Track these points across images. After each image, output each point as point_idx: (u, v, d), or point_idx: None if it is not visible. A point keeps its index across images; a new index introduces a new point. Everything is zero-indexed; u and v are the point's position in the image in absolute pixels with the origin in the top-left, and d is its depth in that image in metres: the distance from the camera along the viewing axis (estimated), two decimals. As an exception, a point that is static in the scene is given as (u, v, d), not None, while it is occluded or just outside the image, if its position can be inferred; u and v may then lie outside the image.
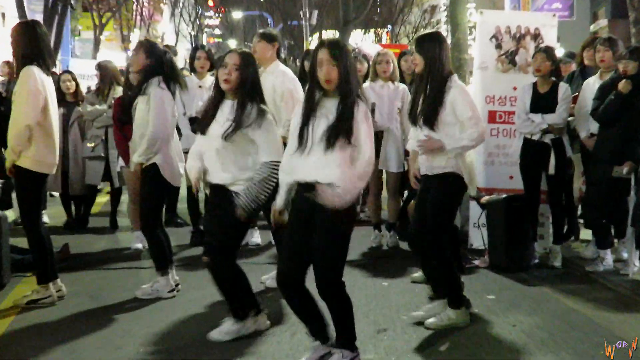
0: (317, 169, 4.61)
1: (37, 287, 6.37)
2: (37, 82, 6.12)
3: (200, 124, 5.46)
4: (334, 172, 4.55)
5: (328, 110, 4.63)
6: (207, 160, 5.40)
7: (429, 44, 5.79)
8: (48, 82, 6.28)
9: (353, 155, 4.60)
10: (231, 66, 5.27)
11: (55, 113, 6.41)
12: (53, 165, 6.40)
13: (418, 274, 7.11)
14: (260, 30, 7.43)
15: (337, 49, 4.64)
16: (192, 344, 5.42)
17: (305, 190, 4.67)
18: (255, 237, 8.74)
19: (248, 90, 5.29)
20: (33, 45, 6.22)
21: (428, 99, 5.75)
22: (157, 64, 6.48)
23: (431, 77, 5.75)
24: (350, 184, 4.54)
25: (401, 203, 8.76)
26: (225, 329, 5.47)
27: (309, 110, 4.68)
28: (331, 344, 4.86)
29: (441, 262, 5.86)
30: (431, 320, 5.82)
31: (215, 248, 5.37)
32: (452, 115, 5.69)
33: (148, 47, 6.60)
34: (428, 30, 6.32)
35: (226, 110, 5.30)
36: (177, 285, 6.66)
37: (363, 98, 4.67)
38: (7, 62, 12.31)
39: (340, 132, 4.55)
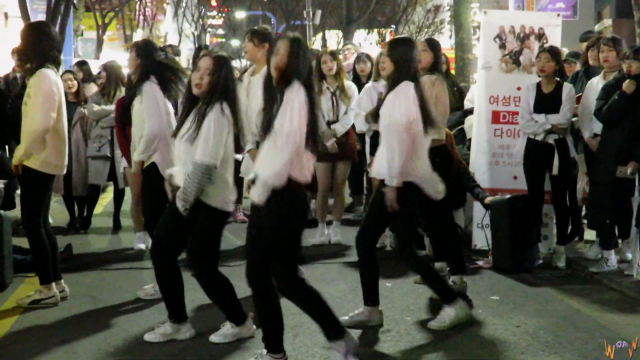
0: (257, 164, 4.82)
1: (40, 287, 6.37)
2: (52, 85, 6.13)
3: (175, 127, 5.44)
4: (261, 163, 4.73)
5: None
6: (177, 162, 5.36)
7: (399, 47, 5.76)
8: (60, 84, 6.30)
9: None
10: (204, 70, 5.21)
11: (65, 115, 6.41)
12: (62, 167, 6.41)
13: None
14: (252, 29, 7.18)
15: (297, 43, 4.78)
16: (194, 345, 5.42)
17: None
18: None
19: (217, 95, 5.19)
20: (44, 46, 6.22)
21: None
22: (149, 63, 6.41)
23: (392, 82, 5.70)
24: (268, 168, 4.63)
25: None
26: (224, 332, 5.47)
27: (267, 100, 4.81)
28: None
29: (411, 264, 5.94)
30: (433, 322, 5.82)
31: (194, 259, 5.36)
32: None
33: (140, 47, 6.59)
34: (402, 35, 6.29)
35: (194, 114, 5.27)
36: None
37: (306, 84, 4.74)
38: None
39: (271, 119, 4.68)
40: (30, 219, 6.33)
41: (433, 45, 6.84)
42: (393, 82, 5.69)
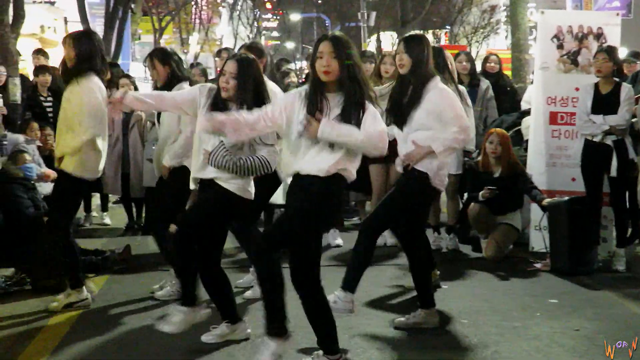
0: (313, 162, 4.60)
1: (71, 291, 6.42)
2: (96, 92, 6.19)
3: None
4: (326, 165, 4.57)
5: (332, 109, 4.59)
6: (199, 156, 5.36)
7: (417, 45, 5.67)
8: (103, 91, 6.37)
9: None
10: (229, 74, 5.25)
11: (105, 122, 6.47)
12: (98, 172, 6.47)
13: None
14: (248, 45, 7.11)
15: (339, 42, 4.62)
16: (247, 343, 5.46)
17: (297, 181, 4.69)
18: (337, 239, 8.77)
19: (245, 97, 5.22)
20: (87, 54, 6.28)
21: (410, 101, 5.65)
22: (176, 68, 6.65)
23: (415, 78, 5.64)
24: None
25: (460, 205, 8.70)
26: (219, 332, 5.48)
27: (314, 107, 4.64)
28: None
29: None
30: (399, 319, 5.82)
31: (182, 234, 5.33)
32: (432, 116, 5.59)
33: (165, 55, 6.75)
34: (415, 32, 6.11)
35: None
36: None
37: (372, 100, 4.65)
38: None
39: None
40: (63, 221, 6.37)
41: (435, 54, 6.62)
42: (418, 79, 5.61)
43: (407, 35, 5.92)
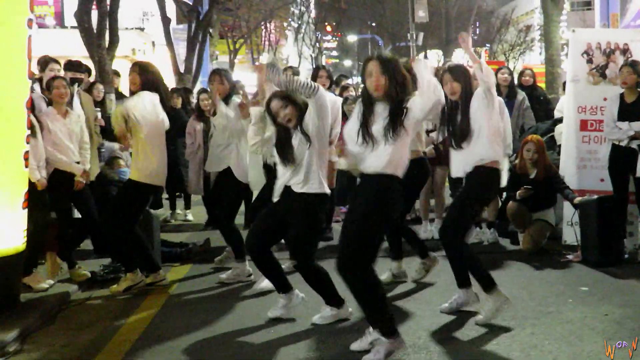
0: (377, 161, 4.62)
1: (129, 275, 6.57)
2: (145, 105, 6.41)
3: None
4: (385, 161, 4.61)
5: (380, 114, 4.63)
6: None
7: (464, 74, 5.64)
8: (157, 107, 6.52)
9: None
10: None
11: (160, 135, 6.62)
12: (161, 178, 6.63)
13: (385, 275, 6.78)
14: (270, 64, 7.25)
15: (385, 61, 4.65)
16: (321, 329, 5.45)
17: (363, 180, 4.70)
18: None
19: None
20: (149, 82, 6.50)
21: (463, 122, 5.58)
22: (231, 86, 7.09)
23: (463, 103, 5.58)
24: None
25: (500, 203, 8.61)
26: (324, 314, 5.51)
27: (366, 115, 4.68)
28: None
29: (456, 254, 5.68)
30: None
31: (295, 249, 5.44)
32: (476, 122, 5.55)
33: (228, 75, 7.18)
34: (455, 63, 6.05)
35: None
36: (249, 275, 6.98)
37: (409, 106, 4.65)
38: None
39: (394, 128, 4.57)
40: (122, 219, 6.45)
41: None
42: (466, 100, 5.59)
43: (450, 66, 5.84)
